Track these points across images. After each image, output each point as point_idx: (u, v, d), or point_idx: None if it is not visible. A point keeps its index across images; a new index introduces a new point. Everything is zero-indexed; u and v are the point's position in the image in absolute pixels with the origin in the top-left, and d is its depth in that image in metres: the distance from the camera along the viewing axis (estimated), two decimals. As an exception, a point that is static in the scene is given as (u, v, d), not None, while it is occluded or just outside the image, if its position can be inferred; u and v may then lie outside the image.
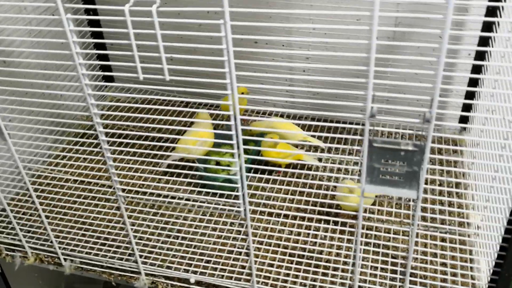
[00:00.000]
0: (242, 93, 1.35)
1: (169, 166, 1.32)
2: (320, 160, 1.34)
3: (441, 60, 0.65)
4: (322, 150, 1.36)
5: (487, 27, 1.23)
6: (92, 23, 1.49)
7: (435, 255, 1.09)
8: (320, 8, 1.33)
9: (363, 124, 0.72)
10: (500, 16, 1.17)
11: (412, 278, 1.03)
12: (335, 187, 1.26)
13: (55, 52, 0.83)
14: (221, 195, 1.22)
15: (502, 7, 1.15)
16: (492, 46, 1.22)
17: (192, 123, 1.36)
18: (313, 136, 1.33)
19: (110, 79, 1.66)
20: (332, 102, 0.75)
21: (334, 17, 1.35)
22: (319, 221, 1.18)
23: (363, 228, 1.15)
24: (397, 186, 0.76)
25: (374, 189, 0.77)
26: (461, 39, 1.33)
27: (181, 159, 1.31)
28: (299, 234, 1.16)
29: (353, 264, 1.05)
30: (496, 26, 1.19)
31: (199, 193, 1.27)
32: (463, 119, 1.42)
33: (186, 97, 1.56)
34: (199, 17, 0.70)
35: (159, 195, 1.25)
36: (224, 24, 0.66)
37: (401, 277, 1.05)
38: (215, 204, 1.22)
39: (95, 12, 1.47)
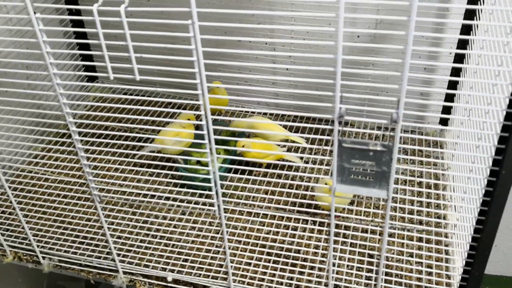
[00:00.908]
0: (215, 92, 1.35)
1: (149, 166, 1.33)
2: (301, 158, 1.35)
3: (406, 61, 0.65)
4: (304, 149, 1.37)
5: (467, 28, 1.24)
6: (75, 23, 1.49)
7: (411, 254, 1.10)
8: (301, 7, 1.34)
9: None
10: (478, 19, 1.18)
11: (388, 277, 1.04)
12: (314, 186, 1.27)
13: (33, 52, 0.82)
14: (200, 194, 1.23)
15: (481, 10, 1.16)
16: (471, 49, 1.23)
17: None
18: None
19: (93, 76, 1.65)
20: (311, 104, 0.76)
21: (316, 18, 1.35)
22: (297, 220, 1.19)
23: (341, 228, 1.16)
24: (367, 186, 0.77)
25: (345, 188, 0.78)
26: (442, 40, 1.34)
27: (161, 158, 1.31)
28: (277, 233, 1.17)
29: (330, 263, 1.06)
30: (474, 28, 1.20)
31: (178, 192, 1.28)
32: (445, 120, 1.43)
33: (169, 96, 1.57)
34: (181, 17, 0.69)
35: (138, 194, 1.26)
36: (192, 24, 0.67)
37: (376, 276, 1.06)
38: (194, 203, 1.22)
39: (78, 11, 1.47)
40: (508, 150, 0.74)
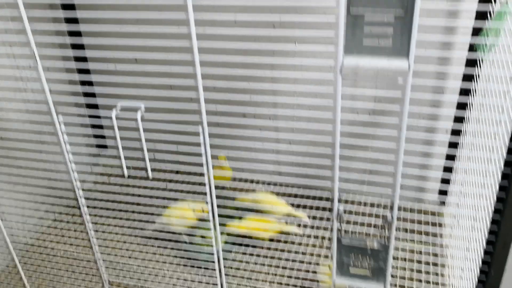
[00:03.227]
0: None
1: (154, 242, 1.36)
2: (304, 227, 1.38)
3: (398, 169, 0.70)
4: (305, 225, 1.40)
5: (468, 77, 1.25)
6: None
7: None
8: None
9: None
10: (480, 68, 1.16)
11: None
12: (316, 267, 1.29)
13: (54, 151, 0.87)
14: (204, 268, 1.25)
15: (482, 59, 1.16)
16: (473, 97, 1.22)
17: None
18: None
19: (103, 145, 1.69)
20: (313, 182, 0.79)
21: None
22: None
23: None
24: (365, 280, 0.80)
25: (344, 281, 0.82)
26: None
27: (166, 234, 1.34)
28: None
29: None
30: (476, 77, 1.20)
31: (184, 269, 1.30)
32: (443, 192, 1.44)
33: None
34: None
35: (143, 274, 1.28)
36: (203, 130, 0.72)
37: None
38: (198, 282, 1.24)
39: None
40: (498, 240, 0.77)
